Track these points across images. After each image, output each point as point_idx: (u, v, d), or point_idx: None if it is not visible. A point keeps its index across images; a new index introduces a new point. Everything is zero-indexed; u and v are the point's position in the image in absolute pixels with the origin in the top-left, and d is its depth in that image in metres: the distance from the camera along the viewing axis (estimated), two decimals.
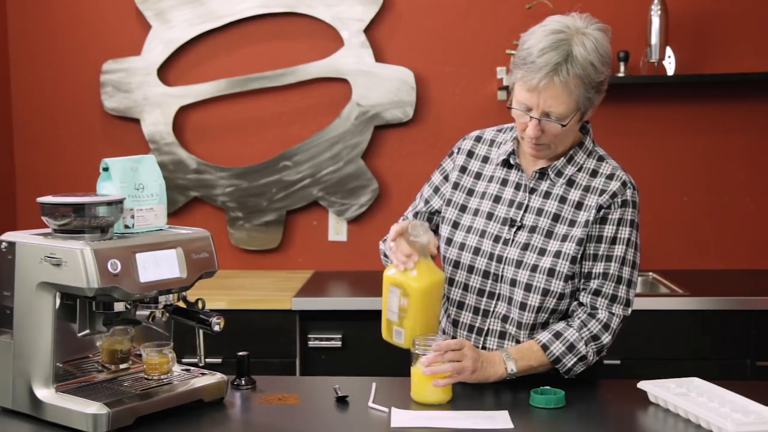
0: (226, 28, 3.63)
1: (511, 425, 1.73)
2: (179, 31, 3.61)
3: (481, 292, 2.02)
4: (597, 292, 1.96)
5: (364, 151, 3.61)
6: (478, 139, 2.13)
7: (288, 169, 3.64)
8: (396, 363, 2.25)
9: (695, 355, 3.02)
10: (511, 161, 2.04)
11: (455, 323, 2.06)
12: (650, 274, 3.45)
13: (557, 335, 1.94)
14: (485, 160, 2.09)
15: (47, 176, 3.73)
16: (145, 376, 1.85)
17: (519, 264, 1.97)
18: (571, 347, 1.94)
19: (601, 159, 2.02)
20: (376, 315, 3.03)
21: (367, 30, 3.57)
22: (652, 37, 3.39)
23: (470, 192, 2.08)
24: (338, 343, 3.07)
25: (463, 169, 2.10)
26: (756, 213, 3.60)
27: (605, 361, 2.25)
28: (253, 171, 3.66)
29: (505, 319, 2.00)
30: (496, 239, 2.01)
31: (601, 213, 1.96)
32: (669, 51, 3.45)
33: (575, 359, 1.94)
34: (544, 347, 1.93)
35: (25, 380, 1.74)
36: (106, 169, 1.83)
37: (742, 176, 3.59)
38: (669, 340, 3.00)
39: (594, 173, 1.99)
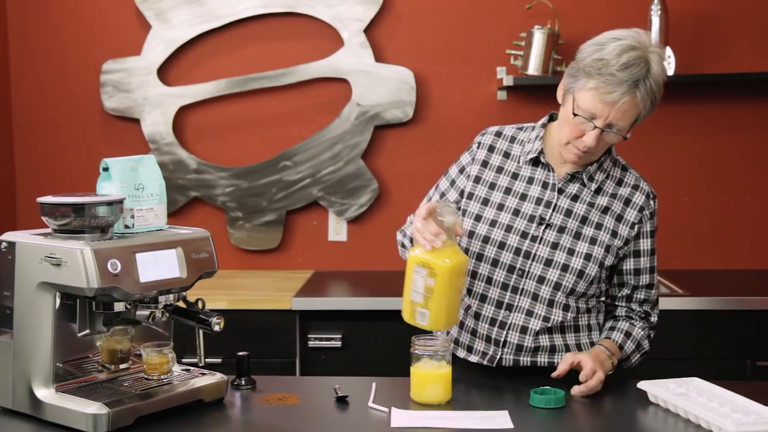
0: (226, 28, 3.63)
1: (511, 425, 1.73)
2: (179, 31, 3.61)
3: (504, 286, 2.04)
4: (645, 301, 2.12)
5: (364, 151, 3.61)
6: (498, 134, 2.15)
7: (288, 169, 3.64)
8: (396, 363, 2.25)
9: (695, 355, 3.02)
10: (542, 160, 2.07)
11: (477, 316, 2.07)
12: None
13: (627, 334, 2.07)
14: (506, 155, 2.12)
15: (47, 176, 3.73)
16: (145, 376, 1.85)
17: (549, 262, 2.02)
18: (639, 346, 2.08)
19: (624, 168, 2.11)
20: (376, 315, 3.04)
21: (367, 30, 3.57)
22: (652, 37, 3.39)
23: (492, 186, 2.10)
24: (338, 343, 3.07)
25: (485, 164, 2.12)
26: (756, 213, 3.60)
27: None
28: (253, 171, 3.66)
29: (529, 313, 2.03)
30: (524, 235, 2.04)
31: (635, 229, 2.05)
32: (669, 51, 3.45)
33: (639, 355, 2.09)
34: (620, 347, 2.04)
35: (25, 380, 1.74)
36: (106, 169, 1.83)
37: (742, 176, 3.59)
38: (669, 340, 3.00)
39: (620, 182, 2.08)
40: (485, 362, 2.06)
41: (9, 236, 1.78)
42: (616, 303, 2.13)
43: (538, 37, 3.38)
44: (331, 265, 3.68)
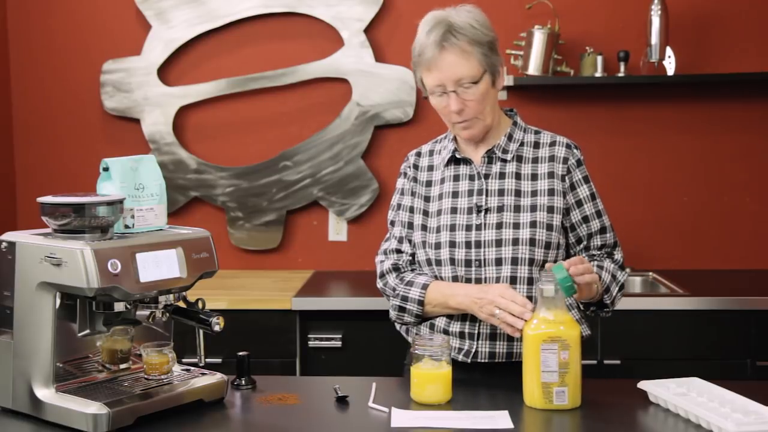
0: (226, 28, 3.63)
1: (511, 425, 1.73)
2: (179, 31, 3.61)
3: (468, 281, 2.04)
4: (603, 246, 2.12)
5: (364, 151, 3.61)
6: (419, 154, 2.22)
7: (288, 169, 3.64)
8: (396, 363, 2.25)
9: (695, 355, 3.02)
10: (457, 155, 2.12)
11: (450, 315, 2.06)
12: (650, 274, 3.45)
13: (600, 267, 2.04)
14: (431, 168, 2.18)
15: (47, 176, 3.73)
16: (145, 376, 1.85)
17: (499, 243, 2.03)
18: (614, 276, 2.06)
19: (537, 132, 2.15)
20: (376, 315, 3.04)
21: (367, 30, 3.57)
22: (652, 37, 3.39)
23: (427, 199, 2.14)
24: (338, 343, 3.07)
25: (415, 180, 2.18)
26: (756, 213, 3.60)
27: (605, 361, 2.25)
28: (253, 171, 3.66)
29: None
30: (468, 228, 2.06)
31: (567, 181, 2.08)
32: (669, 51, 3.45)
33: (617, 288, 2.06)
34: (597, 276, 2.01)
35: (25, 380, 1.74)
36: (106, 169, 1.83)
37: (742, 176, 3.59)
38: (669, 340, 3.00)
39: (537, 145, 2.11)
40: (461, 357, 2.05)
41: (9, 236, 1.78)
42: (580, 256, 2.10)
43: (538, 37, 3.38)
44: (331, 265, 3.68)
